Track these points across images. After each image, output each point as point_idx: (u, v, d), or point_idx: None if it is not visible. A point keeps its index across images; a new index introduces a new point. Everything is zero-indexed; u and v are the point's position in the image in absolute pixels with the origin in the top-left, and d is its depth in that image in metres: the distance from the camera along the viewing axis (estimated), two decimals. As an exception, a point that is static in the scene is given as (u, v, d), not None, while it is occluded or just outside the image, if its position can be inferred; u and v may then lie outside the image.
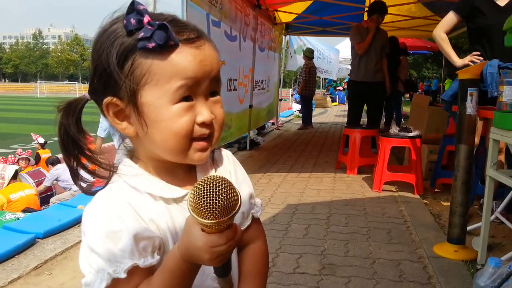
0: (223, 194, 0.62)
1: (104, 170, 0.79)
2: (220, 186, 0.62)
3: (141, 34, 0.68)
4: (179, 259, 0.67)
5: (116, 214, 0.70)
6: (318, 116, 14.35)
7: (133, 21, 0.69)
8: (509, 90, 2.39)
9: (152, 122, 0.72)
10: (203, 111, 0.73)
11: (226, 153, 0.91)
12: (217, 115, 0.76)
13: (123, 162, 0.80)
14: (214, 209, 0.61)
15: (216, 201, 0.61)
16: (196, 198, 0.62)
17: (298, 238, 3.08)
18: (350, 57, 20.10)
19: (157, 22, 0.68)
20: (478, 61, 3.30)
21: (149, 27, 0.68)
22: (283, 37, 10.66)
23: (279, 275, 2.50)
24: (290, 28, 10.40)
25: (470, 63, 3.33)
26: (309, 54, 10.57)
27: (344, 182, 4.90)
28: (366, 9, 8.14)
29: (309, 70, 10.35)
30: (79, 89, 51.91)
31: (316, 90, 15.54)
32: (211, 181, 0.63)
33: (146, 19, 0.69)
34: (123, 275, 0.67)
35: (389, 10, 8.02)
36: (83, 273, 0.70)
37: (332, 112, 16.75)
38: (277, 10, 8.69)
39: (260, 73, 8.05)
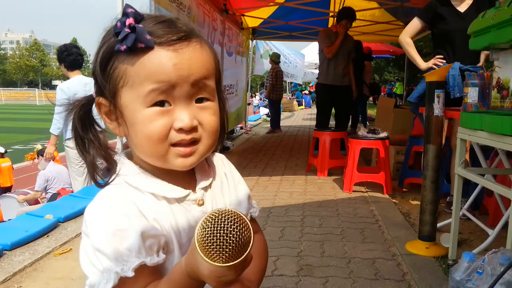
0: (235, 236, 0.56)
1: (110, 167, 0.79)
2: (232, 224, 0.56)
3: (119, 37, 0.69)
4: (185, 275, 0.66)
5: (122, 212, 0.70)
6: (285, 120, 14.49)
7: (119, 24, 0.70)
8: (473, 92, 2.50)
9: (129, 124, 0.72)
10: (183, 116, 0.70)
11: (220, 157, 0.92)
12: (204, 122, 0.73)
13: (122, 163, 0.79)
14: (224, 252, 0.56)
15: (227, 244, 0.55)
16: (204, 237, 0.57)
17: (274, 241, 3.10)
18: (315, 62, 20.47)
19: (134, 25, 0.68)
20: (441, 64, 3.43)
21: (126, 30, 0.68)
22: (250, 41, 10.72)
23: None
24: (257, 33, 10.48)
25: (434, 66, 3.46)
26: (275, 59, 10.67)
27: (316, 184, 4.96)
28: (331, 14, 8.35)
29: (276, 74, 10.45)
30: (39, 96, 50.22)
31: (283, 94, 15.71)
32: (222, 217, 0.58)
33: (128, 21, 0.69)
34: (130, 274, 0.67)
35: (353, 15, 8.24)
36: (86, 275, 0.69)
37: (299, 116, 16.95)
38: (244, 15, 8.76)
39: (228, 77, 8.07)
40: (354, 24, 8.92)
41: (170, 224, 0.74)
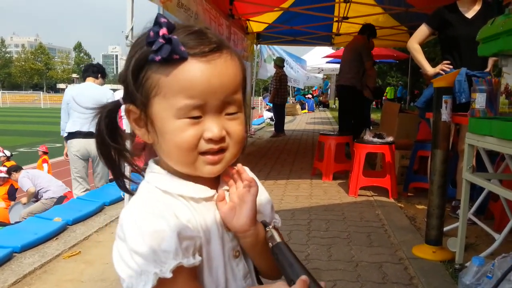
0: None
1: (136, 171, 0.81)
2: None
3: (153, 47, 0.70)
4: None
5: (157, 214, 0.72)
6: (288, 124, 14.50)
7: (152, 33, 0.70)
8: (481, 97, 2.52)
9: (160, 132, 0.74)
10: (213, 127, 0.73)
11: (245, 168, 0.93)
12: (231, 131, 0.75)
13: (150, 168, 0.81)
14: None
15: None
16: None
17: (281, 244, 3.11)
18: (319, 66, 20.40)
19: (168, 36, 0.70)
20: (448, 70, 3.46)
21: (161, 40, 0.69)
22: (255, 46, 10.77)
23: (265, 281, 2.52)
24: (261, 38, 10.52)
25: (441, 72, 3.48)
26: (279, 63, 10.71)
27: (321, 188, 4.98)
28: (336, 19, 8.38)
29: (280, 78, 10.48)
30: (44, 99, 50.38)
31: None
32: None
33: (161, 32, 0.70)
34: (169, 275, 0.68)
35: (357, 20, 8.30)
36: (122, 279, 0.71)
37: (303, 120, 16.96)
38: (249, 20, 8.80)
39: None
40: (358, 29, 9.00)
41: (200, 224, 0.76)
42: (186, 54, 0.70)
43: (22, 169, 6.56)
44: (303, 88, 23.44)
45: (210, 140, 0.73)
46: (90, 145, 4.73)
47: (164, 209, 0.73)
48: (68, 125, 4.84)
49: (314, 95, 27.15)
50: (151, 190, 0.77)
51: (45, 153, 7.74)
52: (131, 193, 0.83)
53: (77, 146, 4.83)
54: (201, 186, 0.79)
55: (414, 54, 3.71)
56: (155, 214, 0.72)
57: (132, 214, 0.73)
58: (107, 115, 0.80)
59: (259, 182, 0.92)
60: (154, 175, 0.80)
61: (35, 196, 6.19)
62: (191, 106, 0.71)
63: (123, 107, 0.80)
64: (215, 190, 0.81)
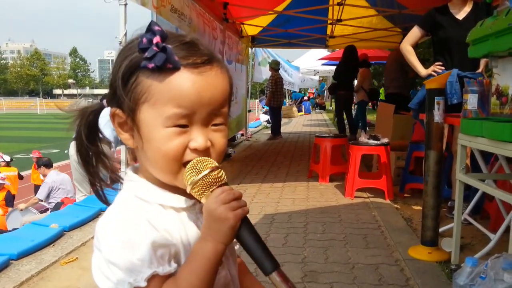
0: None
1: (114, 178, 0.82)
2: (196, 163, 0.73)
3: (146, 54, 0.70)
4: (204, 244, 0.72)
5: (132, 223, 0.72)
6: (284, 126, 14.52)
7: (144, 40, 0.71)
8: (473, 98, 2.54)
9: (146, 139, 0.74)
10: (198, 138, 0.73)
11: None
12: (215, 143, 0.76)
13: (128, 176, 0.81)
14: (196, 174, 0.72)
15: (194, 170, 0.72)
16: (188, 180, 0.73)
17: (277, 247, 3.13)
18: (315, 68, 20.45)
19: (163, 44, 0.70)
20: (440, 71, 3.49)
21: (154, 48, 0.70)
22: (250, 49, 10.80)
23: (262, 284, 2.53)
24: (256, 41, 10.56)
25: (433, 73, 3.51)
26: (275, 66, 10.73)
27: (318, 190, 5.00)
28: (330, 21, 8.43)
29: (276, 81, 10.49)
30: (40, 105, 50.23)
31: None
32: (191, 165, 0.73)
33: (155, 39, 0.70)
34: (143, 284, 0.69)
35: (351, 22, 8.34)
36: (99, 286, 0.72)
37: (299, 122, 16.99)
38: (243, 23, 8.83)
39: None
40: (352, 31, 9.07)
41: (179, 233, 0.76)
42: (179, 64, 0.71)
43: (52, 167, 6.54)
44: (297, 90, 23.48)
45: (195, 150, 0.74)
46: None
47: (139, 219, 0.73)
48: None
49: (310, 97, 27.19)
50: (129, 199, 0.77)
51: (38, 158, 7.71)
52: (107, 203, 0.83)
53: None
54: (180, 196, 0.79)
55: (407, 55, 3.74)
56: (130, 223, 0.72)
57: (107, 224, 0.73)
58: (88, 116, 0.81)
59: None
60: (133, 183, 0.80)
61: (40, 206, 6.18)
62: (179, 115, 0.71)
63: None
64: (194, 200, 0.80)
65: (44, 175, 6.42)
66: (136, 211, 0.74)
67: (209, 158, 0.74)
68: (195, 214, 0.80)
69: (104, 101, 0.81)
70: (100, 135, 0.82)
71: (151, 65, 0.70)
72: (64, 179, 6.25)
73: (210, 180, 0.72)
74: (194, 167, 0.72)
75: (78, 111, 0.81)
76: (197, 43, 0.76)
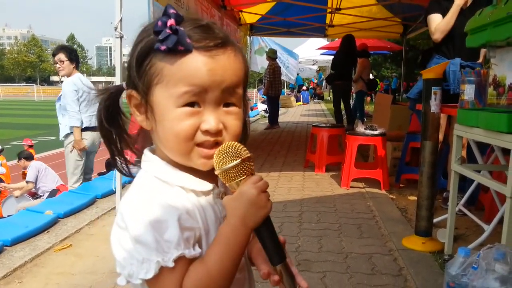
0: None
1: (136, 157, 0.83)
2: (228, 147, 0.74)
3: (159, 36, 0.71)
4: (232, 228, 0.73)
5: (159, 204, 0.72)
6: (282, 116, 14.49)
7: (160, 23, 0.72)
8: (470, 89, 2.53)
9: (159, 120, 0.75)
10: (210, 119, 0.74)
11: None
12: (228, 125, 0.77)
13: (146, 157, 0.82)
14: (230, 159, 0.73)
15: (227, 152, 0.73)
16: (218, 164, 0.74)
17: (272, 236, 3.12)
18: (313, 58, 20.33)
19: (176, 27, 0.71)
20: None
21: (167, 31, 0.71)
22: (248, 37, 10.72)
23: (256, 273, 2.53)
24: (255, 29, 10.48)
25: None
26: (272, 55, 10.67)
27: (313, 180, 5.00)
28: (329, 10, 8.36)
29: (273, 70, 10.44)
30: (37, 92, 49.98)
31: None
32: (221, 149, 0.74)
33: (169, 22, 0.71)
34: (171, 264, 0.69)
35: (351, 11, 8.29)
36: (122, 265, 0.71)
37: (297, 112, 16.96)
38: (241, 11, 8.75)
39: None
40: (351, 20, 9.01)
41: (199, 216, 0.77)
42: (191, 46, 0.72)
43: (33, 159, 6.53)
44: (295, 83, 23.40)
45: (206, 132, 0.74)
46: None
47: (165, 199, 0.74)
48: (86, 117, 4.64)
49: (311, 87, 27.11)
50: (150, 179, 0.78)
51: (30, 146, 7.67)
52: (130, 175, 0.85)
53: (90, 139, 4.74)
54: (200, 179, 0.79)
55: (446, 20, 3.50)
56: (157, 203, 0.72)
57: (133, 203, 0.74)
58: (108, 98, 0.82)
59: None
60: (152, 164, 0.80)
61: (32, 193, 6.17)
62: (190, 93, 0.72)
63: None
64: (214, 184, 0.81)
65: (24, 167, 6.40)
66: (160, 191, 0.75)
67: (241, 145, 0.75)
68: (213, 199, 0.80)
69: (124, 84, 0.82)
70: (122, 116, 0.84)
71: (163, 47, 0.71)
72: (47, 167, 6.28)
73: (244, 168, 0.73)
74: (227, 151, 0.73)
75: (99, 92, 0.83)
76: (213, 26, 0.77)
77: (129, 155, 0.88)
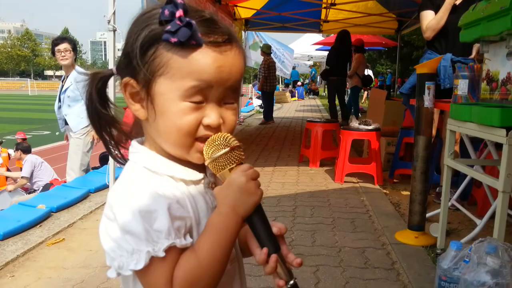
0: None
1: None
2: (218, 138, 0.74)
3: (168, 27, 0.70)
4: (222, 216, 0.72)
5: (148, 194, 0.72)
6: (277, 111, 14.48)
7: (166, 12, 0.70)
8: (463, 84, 2.53)
9: (160, 112, 0.74)
10: (212, 115, 0.74)
11: None
12: (226, 120, 0.77)
13: (134, 148, 0.81)
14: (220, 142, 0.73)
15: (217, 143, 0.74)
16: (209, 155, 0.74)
17: (265, 231, 3.12)
18: (309, 53, 20.29)
19: (186, 19, 0.69)
20: None
21: (178, 22, 0.69)
22: (243, 32, 10.69)
23: (249, 267, 2.53)
24: (250, 24, 10.45)
25: None
26: (266, 50, 10.63)
27: (308, 175, 5.00)
28: (324, 5, 8.35)
29: (268, 66, 10.40)
30: (31, 86, 49.62)
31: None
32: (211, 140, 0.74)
33: (178, 13, 0.70)
34: (161, 254, 0.68)
35: (346, 6, 8.28)
36: (112, 257, 0.70)
37: (292, 107, 16.95)
38: (236, 6, 8.71)
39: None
40: (346, 15, 9.00)
41: (190, 205, 0.76)
42: (202, 41, 0.71)
43: (30, 153, 6.49)
44: (289, 82, 23.39)
45: (208, 127, 0.74)
46: None
47: (155, 189, 0.73)
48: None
49: (305, 82, 27.11)
50: (139, 170, 0.77)
51: (23, 139, 7.62)
52: (123, 162, 0.85)
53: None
54: (189, 169, 0.79)
55: (437, 19, 3.49)
56: (146, 193, 0.72)
57: (122, 194, 0.73)
58: (98, 82, 0.81)
59: None
60: (141, 155, 0.79)
61: (26, 188, 6.14)
62: (198, 88, 0.72)
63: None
64: (203, 174, 0.81)
65: (20, 159, 6.37)
66: (149, 181, 0.75)
67: (230, 135, 0.75)
68: (203, 188, 0.80)
69: (114, 69, 0.81)
70: (110, 101, 0.83)
71: (174, 40, 0.69)
72: (43, 161, 6.24)
73: (234, 156, 0.74)
74: (217, 141, 0.73)
75: (89, 76, 0.81)
76: (217, 20, 0.76)
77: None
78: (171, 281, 0.70)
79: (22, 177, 6.06)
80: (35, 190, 5.98)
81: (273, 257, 0.75)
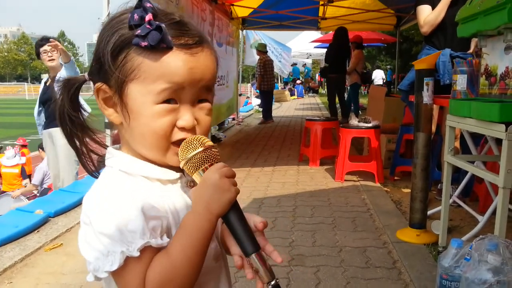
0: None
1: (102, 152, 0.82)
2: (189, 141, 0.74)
3: (138, 31, 0.70)
4: (198, 216, 0.71)
5: (121, 195, 0.71)
6: (276, 110, 14.44)
7: (136, 16, 0.71)
8: (462, 79, 2.50)
9: (134, 116, 0.74)
10: (186, 116, 0.74)
11: None
12: (201, 121, 0.77)
13: (110, 154, 0.80)
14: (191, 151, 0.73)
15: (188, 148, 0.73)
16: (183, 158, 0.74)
17: (265, 231, 3.07)
18: (307, 51, 20.25)
19: (156, 23, 0.69)
20: None
21: (147, 26, 0.69)
22: (240, 31, 10.64)
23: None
24: (247, 23, 10.40)
25: None
26: (261, 49, 10.58)
27: (308, 174, 4.97)
28: (322, 2, 8.30)
29: (264, 64, 10.36)
30: (28, 90, 49.53)
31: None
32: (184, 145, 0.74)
33: (148, 17, 0.70)
34: (136, 253, 0.67)
35: (344, 3, 8.22)
36: (88, 261, 0.70)
37: (291, 106, 16.91)
38: (233, 5, 8.66)
39: (219, 68, 8.00)
40: (344, 12, 8.96)
41: (168, 206, 0.76)
42: (173, 44, 0.71)
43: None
44: (288, 80, 23.33)
45: (183, 129, 0.74)
46: None
47: (129, 190, 0.73)
48: None
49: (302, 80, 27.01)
50: (114, 173, 0.77)
51: (23, 146, 7.60)
52: (95, 175, 0.84)
53: None
54: (165, 169, 0.78)
55: (436, 13, 3.45)
56: (119, 195, 0.71)
57: (96, 198, 0.73)
58: (71, 88, 0.80)
59: None
60: (116, 159, 0.79)
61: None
62: (170, 90, 0.72)
63: None
64: (180, 173, 0.80)
65: (42, 158, 6.35)
66: (123, 183, 0.74)
67: (205, 137, 0.75)
68: (181, 188, 0.80)
69: (86, 75, 0.81)
70: (82, 108, 0.82)
71: (144, 44, 0.69)
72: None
73: (207, 155, 0.73)
74: (191, 143, 0.73)
75: (61, 82, 0.80)
76: (187, 22, 0.76)
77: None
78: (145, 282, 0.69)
79: (32, 184, 6.05)
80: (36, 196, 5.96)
81: (250, 259, 0.73)
